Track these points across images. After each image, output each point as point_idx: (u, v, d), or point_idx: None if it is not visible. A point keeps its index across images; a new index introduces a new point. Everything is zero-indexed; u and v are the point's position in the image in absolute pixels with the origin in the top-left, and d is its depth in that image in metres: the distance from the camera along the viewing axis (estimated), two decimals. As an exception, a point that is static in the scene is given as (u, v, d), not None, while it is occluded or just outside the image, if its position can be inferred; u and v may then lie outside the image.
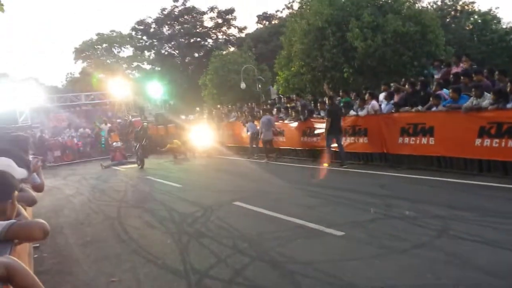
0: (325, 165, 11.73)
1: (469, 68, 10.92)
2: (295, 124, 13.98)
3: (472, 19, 35.55)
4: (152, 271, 5.08)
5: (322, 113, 13.01)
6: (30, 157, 4.58)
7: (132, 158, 18.61)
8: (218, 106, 25.50)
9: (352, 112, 11.97)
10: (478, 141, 8.49)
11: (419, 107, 9.95)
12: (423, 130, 9.70)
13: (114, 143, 18.46)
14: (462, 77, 9.92)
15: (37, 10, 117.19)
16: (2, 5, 9.40)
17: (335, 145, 11.70)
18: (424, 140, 9.69)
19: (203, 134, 16.82)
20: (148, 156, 16.97)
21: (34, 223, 2.37)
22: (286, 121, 14.61)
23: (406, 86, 11.40)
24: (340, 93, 14.32)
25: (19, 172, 3.09)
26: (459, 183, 8.11)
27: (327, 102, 12.78)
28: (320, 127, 12.60)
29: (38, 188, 4.25)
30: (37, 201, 3.83)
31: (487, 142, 8.34)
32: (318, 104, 13.82)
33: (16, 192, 2.48)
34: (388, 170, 10.18)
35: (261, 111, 17.09)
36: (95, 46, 49.18)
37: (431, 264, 4.40)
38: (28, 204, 3.72)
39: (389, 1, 20.63)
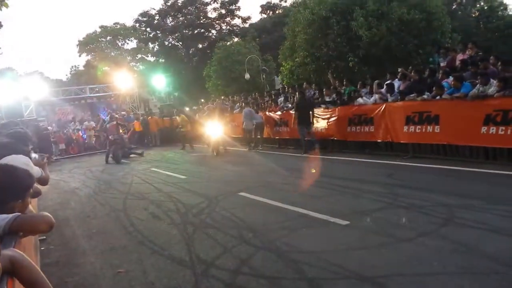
0: (305, 154, 12.57)
1: (475, 55, 10.82)
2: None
3: (478, 5, 35.16)
4: (158, 262, 5.10)
5: (328, 99, 13.15)
6: (35, 155, 4.58)
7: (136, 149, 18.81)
8: (222, 97, 25.45)
9: (360, 100, 11.91)
10: (484, 129, 8.42)
11: (425, 96, 9.88)
12: (429, 118, 9.64)
13: (110, 136, 17.92)
14: (469, 65, 9.84)
15: (41, 3, 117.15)
16: (6, 0, 9.43)
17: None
18: (429, 129, 9.63)
19: (208, 126, 16.71)
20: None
21: (39, 216, 2.38)
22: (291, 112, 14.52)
23: (412, 73, 11.34)
24: (345, 82, 14.26)
25: (35, 172, 3.08)
26: (465, 171, 8.07)
27: (296, 95, 14.09)
28: (324, 117, 12.71)
29: (42, 181, 4.24)
30: (41, 192, 3.82)
31: (492, 129, 8.27)
32: (324, 90, 13.89)
33: (31, 191, 2.48)
34: (393, 159, 10.14)
35: (243, 103, 18.39)
36: (99, 39, 49.08)
37: (437, 253, 4.39)
38: (32, 195, 3.71)
39: (394, -12, 20.38)
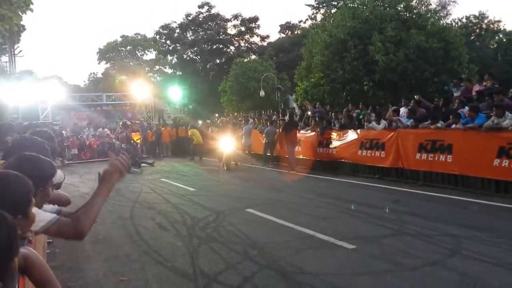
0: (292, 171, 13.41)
1: (492, 87, 10.80)
2: (311, 134, 13.95)
3: (497, 37, 35.14)
4: (161, 273, 5.11)
5: (337, 121, 13.31)
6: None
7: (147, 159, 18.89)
8: (235, 113, 25.61)
9: (369, 125, 11.92)
10: (496, 161, 8.34)
11: (439, 124, 9.84)
12: (442, 147, 9.59)
13: (123, 145, 17.91)
14: (486, 97, 9.82)
15: (63, 10, 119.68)
16: (32, 3, 9.70)
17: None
18: (442, 157, 9.56)
19: (221, 140, 16.79)
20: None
21: (73, 227, 2.26)
22: (302, 131, 14.55)
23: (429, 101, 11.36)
24: (360, 106, 14.30)
25: (58, 176, 3.01)
26: (475, 203, 7.97)
27: (286, 117, 15.21)
28: (337, 139, 12.71)
29: (64, 201, 4.16)
30: (70, 201, 3.64)
31: (505, 162, 8.18)
32: (334, 114, 14.05)
33: (52, 180, 2.47)
34: (403, 185, 10.07)
35: (243, 120, 19.08)
36: (119, 48, 49.81)
37: (443, 283, 4.34)
38: (62, 204, 3.60)
39: (414, 16, 20.53)
